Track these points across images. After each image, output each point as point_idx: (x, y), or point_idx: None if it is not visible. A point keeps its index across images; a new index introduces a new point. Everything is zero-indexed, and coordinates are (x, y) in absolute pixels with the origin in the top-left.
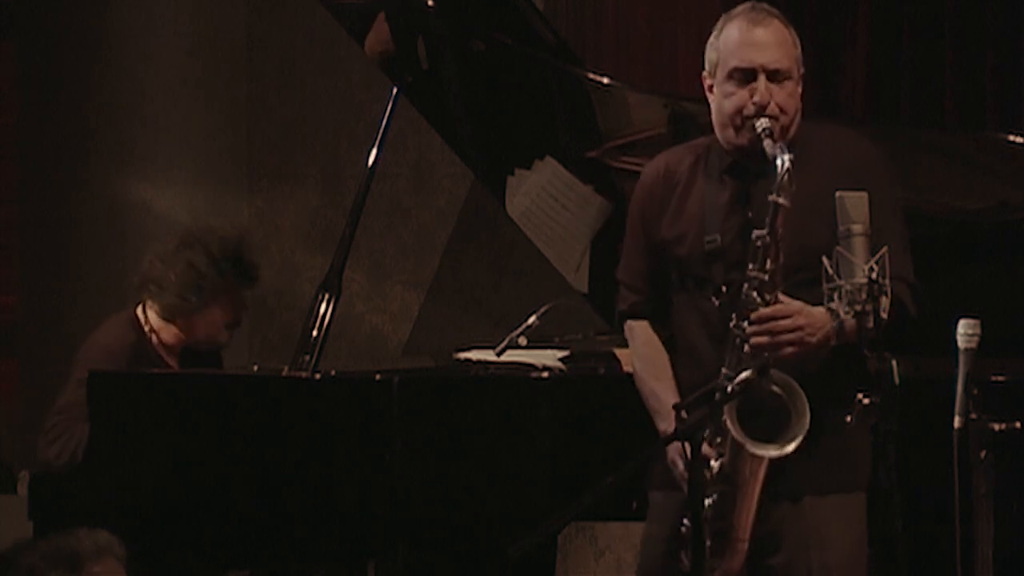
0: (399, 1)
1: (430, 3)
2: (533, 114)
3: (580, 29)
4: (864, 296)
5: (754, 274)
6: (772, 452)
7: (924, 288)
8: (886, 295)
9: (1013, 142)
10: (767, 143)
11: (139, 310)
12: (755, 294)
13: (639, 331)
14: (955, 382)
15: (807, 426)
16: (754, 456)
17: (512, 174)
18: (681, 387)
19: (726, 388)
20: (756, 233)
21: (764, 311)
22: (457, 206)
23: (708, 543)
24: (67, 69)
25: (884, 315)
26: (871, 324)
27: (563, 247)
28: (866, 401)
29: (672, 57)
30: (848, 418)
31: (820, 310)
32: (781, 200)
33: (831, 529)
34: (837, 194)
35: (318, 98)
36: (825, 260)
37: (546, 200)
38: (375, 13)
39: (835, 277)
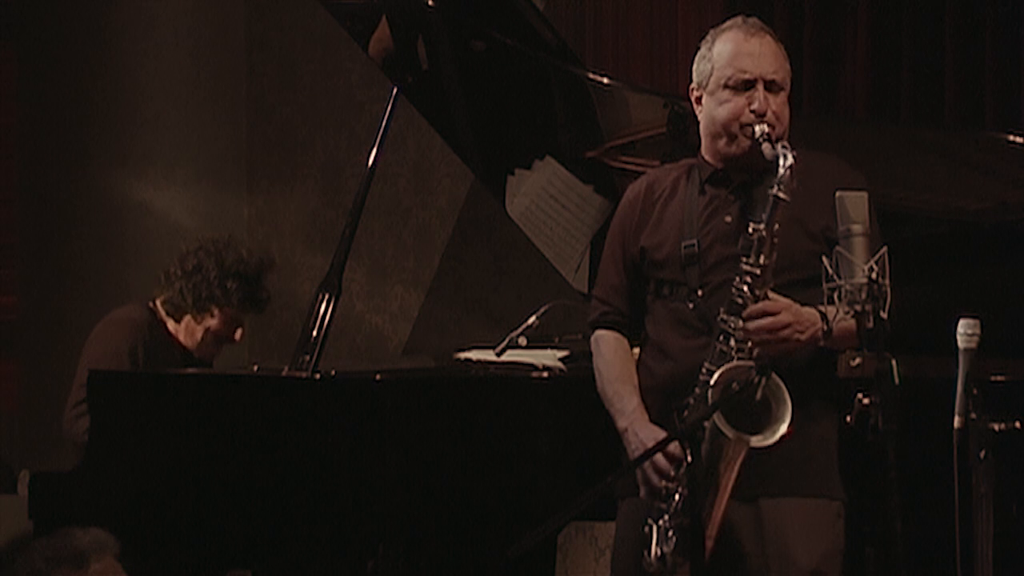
0: (399, 1)
1: (430, 3)
2: (533, 114)
3: (580, 29)
4: (864, 296)
5: (747, 267)
6: (759, 441)
7: (924, 288)
8: (887, 295)
9: (1013, 142)
10: (766, 147)
11: (152, 303)
12: (746, 288)
13: (605, 340)
14: (955, 382)
15: (790, 413)
16: (730, 454)
17: (512, 174)
18: (653, 378)
19: (709, 383)
20: (752, 226)
21: (756, 306)
22: (457, 206)
23: (675, 539)
24: (67, 69)
25: (884, 315)
26: (871, 324)
27: (563, 247)
28: (866, 401)
29: (672, 57)
30: (848, 418)
31: (809, 309)
32: (782, 194)
33: (789, 534)
34: (837, 194)
35: (318, 98)
36: (825, 260)
37: (546, 200)
38: (375, 13)
39: (835, 277)
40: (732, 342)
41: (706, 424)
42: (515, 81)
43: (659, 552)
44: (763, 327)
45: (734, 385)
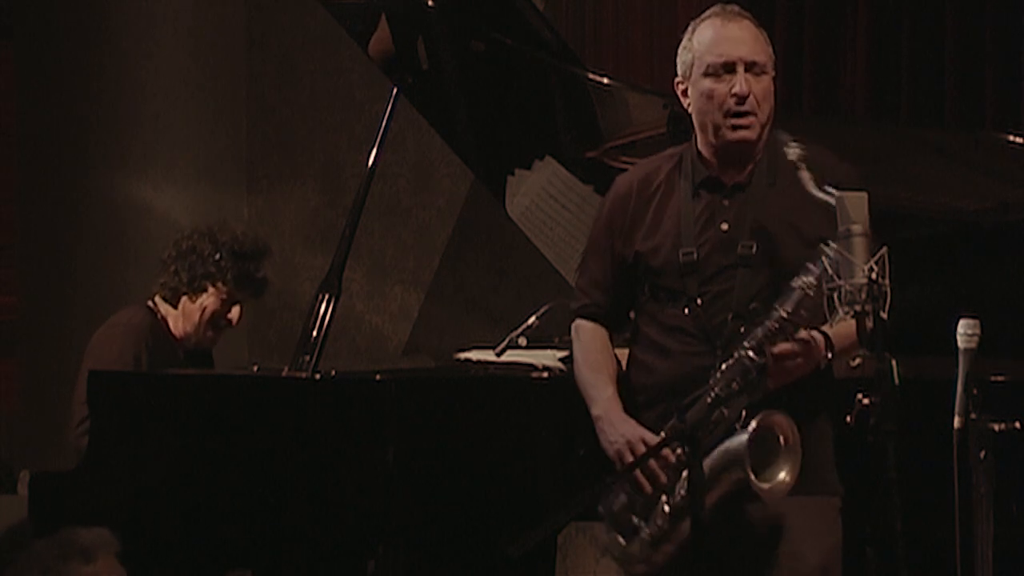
0: (399, 1)
1: (430, 3)
2: (533, 114)
3: (580, 29)
4: (864, 296)
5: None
6: (764, 485)
7: (924, 288)
8: (887, 295)
9: (1013, 142)
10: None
11: (151, 301)
12: (776, 326)
13: (584, 330)
14: (955, 382)
15: (799, 463)
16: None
17: (512, 174)
18: (652, 376)
19: (717, 393)
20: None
21: (785, 347)
22: (457, 206)
23: (667, 526)
24: (67, 69)
25: (884, 315)
26: (871, 324)
27: (563, 247)
28: (866, 401)
29: (672, 57)
30: (848, 419)
31: (816, 335)
32: (808, 291)
33: (797, 533)
34: (837, 194)
35: (318, 98)
36: (825, 260)
37: (546, 200)
38: (375, 13)
39: (835, 277)
40: (750, 366)
41: (719, 448)
42: (515, 81)
43: (616, 538)
44: (789, 367)
45: (782, 441)
